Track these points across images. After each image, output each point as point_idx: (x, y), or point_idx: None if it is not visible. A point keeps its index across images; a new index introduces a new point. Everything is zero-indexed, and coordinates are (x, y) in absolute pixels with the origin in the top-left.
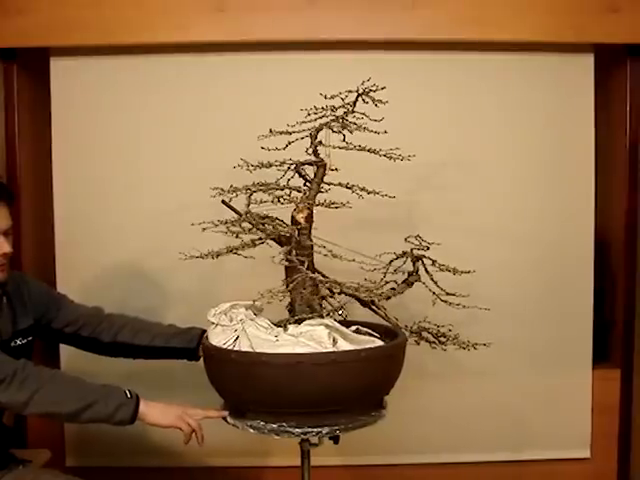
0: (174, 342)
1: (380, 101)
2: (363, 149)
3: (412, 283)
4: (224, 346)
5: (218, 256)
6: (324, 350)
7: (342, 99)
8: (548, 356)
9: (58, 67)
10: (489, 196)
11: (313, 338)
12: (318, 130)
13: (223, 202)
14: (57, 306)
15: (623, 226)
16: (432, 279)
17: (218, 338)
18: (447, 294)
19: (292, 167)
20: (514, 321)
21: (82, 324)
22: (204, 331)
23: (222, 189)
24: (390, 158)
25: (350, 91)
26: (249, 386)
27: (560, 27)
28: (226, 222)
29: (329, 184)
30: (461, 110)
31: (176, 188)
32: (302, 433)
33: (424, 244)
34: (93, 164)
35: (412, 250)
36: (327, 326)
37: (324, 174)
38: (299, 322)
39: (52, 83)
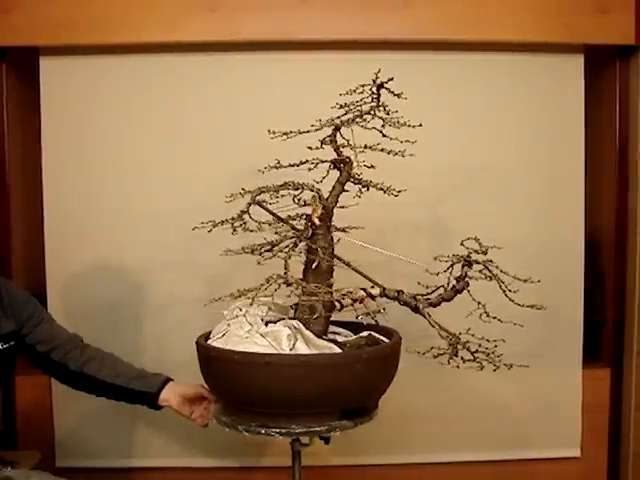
0: (134, 384)
1: (398, 94)
2: (361, 147)
3: (460, 290)
4: (211, 338)
5: (253, 252)
6: (262, 351)
7: (364, 92)
8: (538, 355)
9: (48, 66)
10: (479, 196)
11: (275, 338)
12: (338, 128)
13: (257, 202)
14: (37, 321)
15: (613, 226)
16: (503, 288)
17: (214, 332)
18: (524, 306)
19: (315, 165)
20: (506, 320)
21: (55, 346)
22: (169, 379)
23: (259, 189)
24: (397, 154)
25: (363, 85)
26: (211, 379)
27: (550, 28)
28: (233, 218)
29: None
30: (450, 110)
31: (168, 188)
32: (244, 430)
33: (482, 248)
34: (83, 164)
35: (470, 254)
36: (292, 328)
37: (350, 172)
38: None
39: (42, 82)
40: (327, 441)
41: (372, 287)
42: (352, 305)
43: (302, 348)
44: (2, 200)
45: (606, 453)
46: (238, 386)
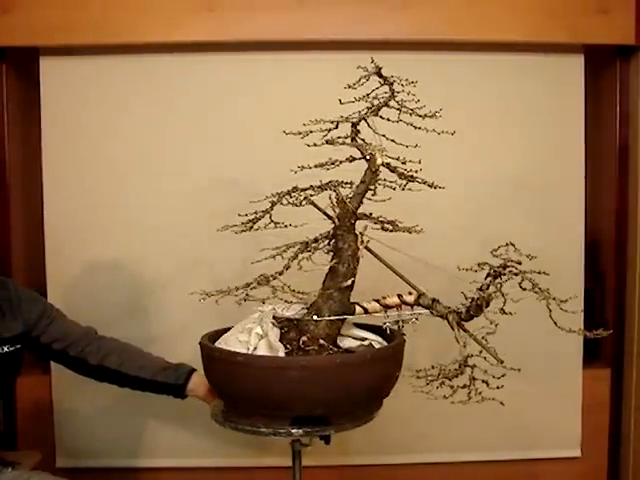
0: (160, 376)
1: (412, 82)
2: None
3: (481, 305)
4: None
5: (297, 255)
6: (232, 348)
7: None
8: (539, 356)
9: (48, 66)
10: (477, 196)
11: (249, 337)
12: (356, 123)
13: (310, 201)
14: (49, 320)
15: (613, 226)
16: (551, 307)
17: None
18: (570, 331)
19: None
20: (505, 321)
21: (71, 342)
22: (193, 370)
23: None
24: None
25: (366, 77)
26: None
27: (550, 28)
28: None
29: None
30: (448, 110)
31: (168, 187)
32: (215, 420)
33: (514, 258)
34: (83, 164)
35: (507, 264)
36: (264, 329)
37: (375, 170)
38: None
39: (42, 83)
40: (327, 441)
41: (409, 293)
42: (385, 311)
43: (263, 348)
44: (2, 200)
45: (606, 453)
46: (208, 378)
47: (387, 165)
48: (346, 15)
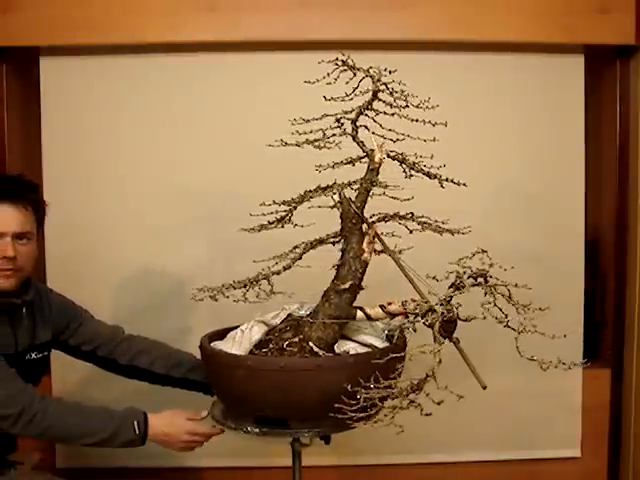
0: (191, 375)
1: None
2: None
3: (448, 320)
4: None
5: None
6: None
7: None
8: (538, 356)
9: (48, 66)
10: (477, 196)
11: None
12: (355, 120)
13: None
14: (78, 323)
15: (613, 226)
16: (517, 327)
17: None
18: (532, 359)
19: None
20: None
21: (99, 343)
22: None
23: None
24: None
25: (336, 69)
26: None
27: (550, 28)
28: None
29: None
30: (449, 110)
31: (168, 187)
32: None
33: (483, 266)
34: (83, 164)
35: (483, 274)
36: (244, 329)
37: (377, 166)
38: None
39: (42, 82)
40: (327, 441)
41: (412, 300)
42: (390, 317)
43: (237, 345)
44: None
45: (606, 453)
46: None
47: (404, 161)
48: (346, 15)
